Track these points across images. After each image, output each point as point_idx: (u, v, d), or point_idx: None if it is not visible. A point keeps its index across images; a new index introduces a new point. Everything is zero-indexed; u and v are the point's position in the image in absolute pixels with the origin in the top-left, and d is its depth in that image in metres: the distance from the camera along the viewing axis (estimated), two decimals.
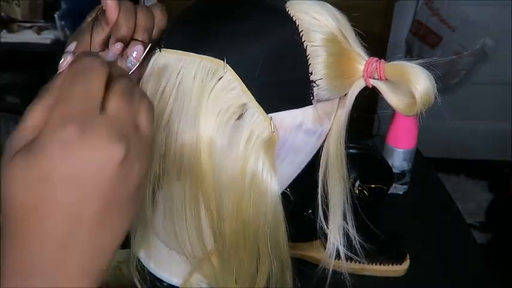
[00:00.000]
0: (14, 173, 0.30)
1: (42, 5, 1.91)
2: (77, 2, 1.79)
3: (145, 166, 0.34)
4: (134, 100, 0.34)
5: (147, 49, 0.46)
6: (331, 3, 0.45)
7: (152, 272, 0.56)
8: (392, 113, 0.90)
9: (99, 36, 0.46)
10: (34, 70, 2.03)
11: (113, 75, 0.34)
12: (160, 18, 0.48)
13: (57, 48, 1.78)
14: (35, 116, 0.32)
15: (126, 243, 0.53)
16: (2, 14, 1.87)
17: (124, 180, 0.32)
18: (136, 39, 0.45)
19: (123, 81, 0.34)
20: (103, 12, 0.46)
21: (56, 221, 0.31)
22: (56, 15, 1.81)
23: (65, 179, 0.30)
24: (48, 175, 0.30)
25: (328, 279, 0.56)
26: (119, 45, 0.45)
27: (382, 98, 0.45)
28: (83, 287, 0.32)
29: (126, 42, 0.45)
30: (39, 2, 1.91)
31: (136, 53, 0.45)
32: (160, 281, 0.56)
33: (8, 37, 1.83)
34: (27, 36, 1.83)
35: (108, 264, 0.34)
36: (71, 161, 0.30)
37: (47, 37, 1.83)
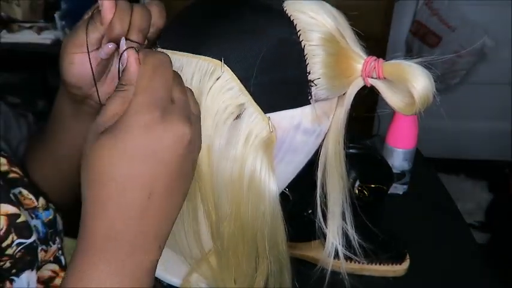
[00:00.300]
0: (100, 151, 0.36)
1: (43, 5, 1.91)
2: (77, 2, 1.79)
3: (200, 144, 0.41)
4: (188, 93, 0.41)
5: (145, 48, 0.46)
6: (329, 3, 0.45)
7: None
8: (392, 112, 0.90)
9: (93, 35, 0.47)
10: (34, 70, 2.03)
11: None
12: (157, 17, 0.48)
13: (57, 48, 1.77)
14: (113, 107, 0.38)
15: None
16: (2, 14, 1.87)
17: (188, 157, 0.38)
18: (129, 39, 0.45)
19: (178, 75, 0.41)
20: (99, 11, 0.46)
21: (135, 193, 0.36)
22: (56, 15, 1.81)
23: (145, 156, 0.36)
24: (132, 152, 0.35)
25: (327, 279, 0.56)
26: (110, 45, 0.46)
27: (382, 98, 0.45)
28: (154, 249, 0.38)
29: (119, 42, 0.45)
30: (40, 2, 1.91)
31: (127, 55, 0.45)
32: (160, 280, 0.56)
33: (8, 37, 1.83)
34: (27, 36, 1.83)
35: (171, 228, 0.40)
36: (152, 140, 0.36)
37: (47, 37, 1.83)
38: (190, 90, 0.42)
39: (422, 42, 2.07)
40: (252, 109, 0.44)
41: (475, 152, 2.28)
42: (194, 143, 0.39)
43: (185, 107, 0.39)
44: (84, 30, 0.48)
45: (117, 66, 0.47)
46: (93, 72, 0.49)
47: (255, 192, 0.45)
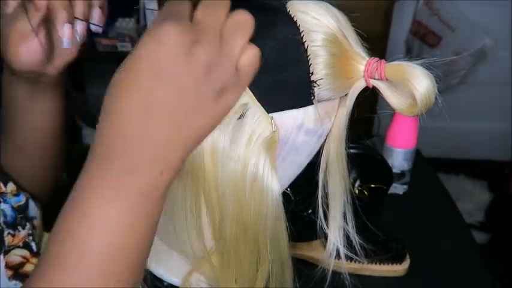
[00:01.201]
0: (122, 66, 0.35)
1: None
2: None
3: (226, 74, 0.37)
4: (220, 9, 0.37)
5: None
6: (332, 4, 0.45)
7: (152, 271, 0.56)
8: (392, 113, 0.90)
9: (33, 22, 0.49)
10: None
11: None
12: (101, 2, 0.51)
13: None
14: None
15: None
16: None
17: (196, 75, 0.35)
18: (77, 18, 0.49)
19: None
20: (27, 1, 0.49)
21: (137, 104, 0.35)
22: None
23: (151, 62, 0.34)
24: (142, 58, 0.34)
25: (328, 279, 0.56)
26: (68, 27, 0.49)
27: (382, 98, 0.45)
28: (152, 171, 0.36)
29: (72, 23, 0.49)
30: None
31: (79, 27, 0.49)
32: (160, 280, 0.56)
33: None
34: None
35: (178, 162, 0.37)
36: (158, 51, 0.34)
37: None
38: (243, 17, 0.38)
39: (422, 42, 2.07)
40: (255, 109, 0.44)
41: (475, 152, 2.28)
42: (205, 61, 0.35)
43: (202, 25, 0.36)
44: (20, 21, 0.50)
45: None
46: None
47: (257, 192, 0.45)
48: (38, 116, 0.62)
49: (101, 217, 0.36)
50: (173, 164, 0.37)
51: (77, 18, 0.49)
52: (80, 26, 0.50)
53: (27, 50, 0.51)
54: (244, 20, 0.37)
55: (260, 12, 0.45)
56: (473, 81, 2.17)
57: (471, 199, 2.10)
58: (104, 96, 0.36)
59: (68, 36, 0.49)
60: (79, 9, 0.50)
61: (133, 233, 0.37)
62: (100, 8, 0.53)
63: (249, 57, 0.38)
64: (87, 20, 0.50)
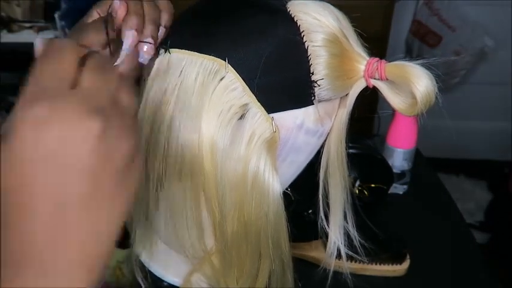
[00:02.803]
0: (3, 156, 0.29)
1: (42, 5, 1.91)
2: (77, 2, 1.79)
3: (131, 143, 0.32)
4: (109, 72, 0.33)
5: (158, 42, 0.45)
6: (332, 4, 0.45)
7: (153, 271, 0.56)
8: (392, 113, 0.90)
9: (102, 35, 0.46)
10: None
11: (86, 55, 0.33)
12: (166, 18, 0.47)
13: None
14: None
15: (126, 243, 0.53)
16: (2, 14, 1.87)
17: (107, 157, 0.30)
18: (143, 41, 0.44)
19: (96, 56, 0.33)
20: (110, 14, 0.45)
21: (41, 203, 0.29)
22: (56, 16, 1.81)
23: (41, 160, 0.28)
24: (24, 157, 0.28)
25: (329, 279, 0.56)
26: (132, 33, 0.43)
27: (383, 98, 0.45)
28: (82, 278, 0.30)
29: (139, 31, 0.44)
30: (40, 2, 1.91)
31: (147, 47, 0.44)
32: (161, 280, 0.56)
33: (8, 37, 1.83)
34: (27, 36, 1.83)
35: (107, 256, 0.32)
36: (44, 140, 0.28)
37: (47, 37, 1.83)
38: (126, 84, 0.34)
39: (422, 42, 2.07)
40: (256, 109, 0.44)
41: (475, 152, 2.28)
42: (113, 139, 0.30)
43: (95, 95, 0.31)
44: (96, 31, 0.46)
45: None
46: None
47: (258, 192, 0.45)
48: None
49: None
50: (102, 257, 0.32)
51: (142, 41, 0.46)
52: (147, 47, 0.45)
53: None
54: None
55: (261, 12, 0.45)
56: (474, 81, 2.17)
57: (471, 199, 2.10)
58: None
59: (131, 42, 0.43)
60: (148, 29, 0.44)
61: None
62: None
63: (129, 95, 0.34)
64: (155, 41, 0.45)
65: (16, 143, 0.29)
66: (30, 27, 1.86)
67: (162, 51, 0.46)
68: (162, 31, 0.46)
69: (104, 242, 0.31)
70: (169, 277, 0.56)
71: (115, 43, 0.45)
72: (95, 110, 0.30)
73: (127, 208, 0.32)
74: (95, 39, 0.46)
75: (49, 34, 1.83)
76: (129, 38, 0.43)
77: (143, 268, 0.56)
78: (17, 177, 0.29)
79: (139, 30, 0.44)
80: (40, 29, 1.85)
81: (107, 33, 0.44)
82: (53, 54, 0.32)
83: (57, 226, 0.29)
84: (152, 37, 0.44)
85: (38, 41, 0.36)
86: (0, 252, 0.30)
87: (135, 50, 0.44)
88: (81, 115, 0.29)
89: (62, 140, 0.29)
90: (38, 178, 0.29)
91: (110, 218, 0.31)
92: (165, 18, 0.46)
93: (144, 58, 0.44)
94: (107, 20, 0.45)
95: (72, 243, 0.30)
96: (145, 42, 0.44)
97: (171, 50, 0.45)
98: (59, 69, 0.31)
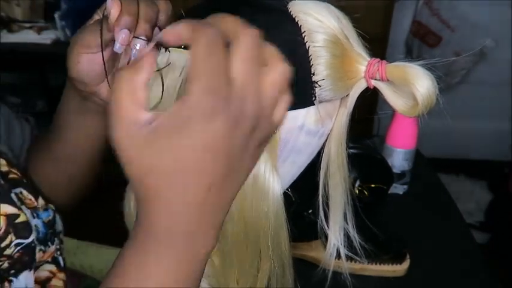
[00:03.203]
0: (162, 145, 0.33)
1: (42, 5, 1.91)
2: (77, 2, 1.79)
3: (265, 133, 0.37)
4: (258, 65, 0.36)
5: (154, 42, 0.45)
6: (333, 4, 0.45)
7: None
8: (392, 113, 0.90)
9: (103, 36, 0.47)
10: (34, 70, 2.03)
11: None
12: (163, 19, 0.48)
13: (57, 48, 1.78)
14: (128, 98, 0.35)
15: None
16: (2, 14, 1.87)
17: (245, 145, 0.35)
18: (136, 37, 0.45)
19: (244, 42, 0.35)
20: (106, 16, 0.46)
21: (198, 187, 0.35)
22: (56, 16, 1.80)
23: (205, 149, 0.34)
24: (194, 141, 0.33)
25: (329, 279, 0.56)
26: (124, 33, 0.45)
27: (383, 98, 0.45)
28: (210, 239, 0.37)
29: (131, 30, 0.45)
30: (40, 2, 1.91)
31: (139, 45, 0.45)
32: None
33: (8, 37, 1.83)
34: (27, 36, 1.83)
35: (226, 215, 0.38)
36: (211, 132, 0.33)
37: (47, 37, 1.83)
38: (260, 40, 0.36)
39: (422, 42, 2.07)
40: None
41: (475, 152, 2.28)
42: (258, 125, 0.36)
43: (244, 85, 0.34)
44: (92, 32, 0.48)
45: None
46: (105, 68, 0.49)
47: (259, 192, 0.45)
48: (82, 135, 0.61)
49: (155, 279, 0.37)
50: (222, 222, 0.39)
51: (136, 37, 0.46)
52: (139, 44, 0.46)
53: (87, 60, 0.49)
54: (282, 78, 0.37)
55: (262, 12, 0.45)
56: (474, 81, 2.17)
57: (471, 199, 2.10)
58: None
59: (122, 40, 0.45)
60: (141, 27, 0.46)
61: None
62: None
63: (282, 111, 0.38)
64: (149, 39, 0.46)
65: (191, 133, 0.33)
66: (30, 27, 1.85)
67: (162, 50, 0.46)
68: (157, 31, 0.47)
69: (228, 207, 0.38)
70: None
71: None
72: (247, 100, 0.34)
73: (241, 185, 0.39)
74: (91, 41, 0.47)
75: (49, 34, 1.83)
76: (119, 37, 0.44)
77: None
78: (187, 162, 0.34)
79: (132, 29, 0.44)
80: (40, 29, 1.85)
81: (101, 34, 0.45)
82: (216, 47, 0.34)
83: (203, 203, 0.35)
84: (146, 36, 0.45)
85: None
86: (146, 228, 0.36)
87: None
88: (236, 110, 0.34)
89: (215, 133, 0.33)
90: (203, 165, 0.34)
91: (235, 190, 0.38)
92: (161, 19, 0.47)
93: (136, 56, 0.45)
94: (102, 21, 0.46)
95: (209, 215, 0.37)
96: (139, 38, 0.45)
97: (171, 48, 0.45)
98: (221, 62, 0.34)
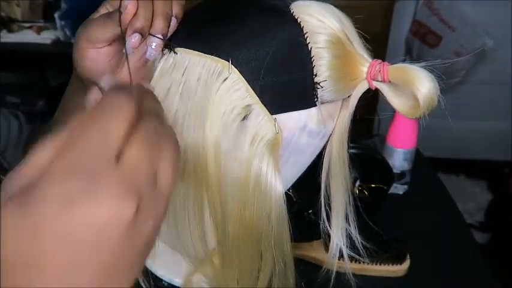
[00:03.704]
0: (4, 222, 0.26)
1: (42, 5, 1.91)
2: (77, 2, 1.79)
3: (158, 223, 0.29)
4: (157, 148, 0.29)
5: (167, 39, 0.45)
6: (335, 5, 0.45)
7: (153, 271, 0.56)
8: (392, 113, 0.90)
9: (109, 31, 0.45)
10: (34, 70, 2.03)
11: (142, 112, 0.29)
12: (177, 10, 0.46)
13: (57, 48, 1.78)
14: (42, 154, 0.27)
15: None
16: (2, 14, 1.87)
17: (132, 240, 0.28)
18: (152, 34, 0.44)
19: (149, 123, 0.29)
20: (116, 9, 0.45)
21: (48, 282, 0.26)
22: (56, 15, 1.81)
23: (59, 240, 0.26)
24: (41, 234, 0.25)
25: (332, 280, 0.56)
26: (136, 36, 0.43)
27: (383, 99, 0.45)
28: None
29: (144, 34, 0.44)
30: (39, 2, 1.91)
31: (155, 44, 0.44)
32: (161, 280, 0.56)
33: (8, 37, 1.83)
34: (27, 36, 1.83)
35: None
36: (69, 221, 0.25)
37: (47, 37, 1.83)
38: (174, 147, 0.31)
39: (422, 42, 2.07)
40: (259, 110, 0.44)
41: (475, 152, 2.29)
42: (142, 222, 0.28)
43: (137, 174, 0.28)
44: (99, 27, 0.46)
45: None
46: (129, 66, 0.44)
47: (260, 193, 0.45)
48: None
49: None
50: None
51: (152, 35, 0.44)
52: (156, 43, 0.45)
53: (93, 56, 0.47)
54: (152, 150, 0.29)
55: (264, 13, 0.45)
56: (474, 81, 2.17)
57: (471, 199, 2.10)
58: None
59: (133, 44, 0.43)
60: (158, 25, 0.44)
61: None
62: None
63: (169, 175, 0.30)
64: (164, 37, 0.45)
65: (37, 218, 0.25)
66: (30, 27, 1.86)
67: (166, 50, 0.46)
68: (174, 22, 0.46)
69: None
70: (170, 277, 0.56)
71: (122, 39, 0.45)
72: (132, 193, 0.27)
73: (138, 273, 0.30)
74: (98, 35, 0.46)
75: (49, 34, 1.83)
76: (132, 39, 0.43)
77: (144, 268, 0.56)
78: (28, 250, 0.26)
79: (145, 31, 0.43)
80: (40, 29, 1.85)
81: (121, 26, 0.43)
82: (103, 116, 0.28)
83: None
84: (162, 34, 0.44)
85: (105, 81, 0.35)
86: None
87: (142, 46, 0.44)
88: (116, 200, 0.26)
89: (87, 223, 0.26)
90: (51, 257, 0.26)
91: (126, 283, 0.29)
92: (175, 10, 0.46)
93: (152, 54, 0.44)
94: (119, 13, 0.44)
95: None
96: (156, 36, 0.44)
97: (174, 49, 0.45)
98: (106, 137, 0.27)
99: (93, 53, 0.47)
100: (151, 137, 0.29)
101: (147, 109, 0.30)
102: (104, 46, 0.47)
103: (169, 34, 0.46)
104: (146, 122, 0.29)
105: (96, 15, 0.48)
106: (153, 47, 0.44)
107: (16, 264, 0.26)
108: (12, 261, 0.26)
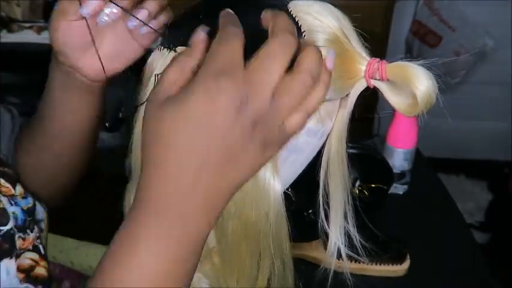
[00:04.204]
0: (164, 117, 0.36)
1: (42, 5, 1.91)
2: None
3: (272, 132, 0.38)
4: (276, 67, 0.37)
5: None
6: (333, 4, 0.45)
7: None
8: (392, 113, 0.90)
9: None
10: (34, 70, 2.02)
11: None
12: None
13: None
14: (171, 75, 0.39)
15: None
16: (2, 14, 1.87)
17: (246, 136, 0.36)
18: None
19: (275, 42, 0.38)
20: None
21: (191, 160, 0.36)
22: None
23: (202, 123, 0.35)
24: (192, 114, 0.35)
25: (330, 279, 0.56)
26: (92, 4, 0.47)
27: (383, 98, 0.45)
28: (202, 223, 0.38)
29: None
30: (39, 2, 1.91)
31: (109, 9, 0.47)
32: None
33: (8, 37, 1.83)
34: (27, 36, 1.83)
35: (222, 209, 0.39)
36: (209, 105, 0.35)
37: (47, 37, 1.81)
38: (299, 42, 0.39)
39: (422, 42, 2.07)
40: None
41: (475, 152, 2.28)
42: (262, 122, 0.37)
43: (259, 81, 0.36)
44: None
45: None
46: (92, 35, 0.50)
47: (259, 192, 0.45)
48: (67, 112, 0.60)
49: (147, 266, 0.37)
50: (219, 212, 0.39)
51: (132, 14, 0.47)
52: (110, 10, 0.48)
53: (65, 28, 0.49)
54: (299, 84, 0.38)
55: (262, 12, 0.45)
56: (474, 81, 2.16)
57: (471, 199, 2.10)
58: (143, 144, 0.38)
59: (88, 7, 0.47)
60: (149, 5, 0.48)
61: (174, 279, 0.39)
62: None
63: (297, 122, 0.39)
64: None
65: (191, 107, 0.35)
66: (30, 27, 1.85)
67: (164, 50, 0.46)
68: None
69: (225, 198, 0.39)
70: None
71: None
72: (251, 95, 0.36)
73: (245, 180, 0.39)
74: (69, 7, 0.49)
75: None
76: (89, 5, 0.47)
77: None
78: (185, 133, 0.36)
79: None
80: (40, 29, 1.85)
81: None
82: (226, 38, 0.38)
83: (196, 178, 0.36)
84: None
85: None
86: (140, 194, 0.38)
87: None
88: (232, 92, 0.35)
89: (221, 112, 0.35)
90: (198, 138, 0.36)
91: (233, 180, 0.38)
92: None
93: (103, 20, 0.47)
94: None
95: (201, 196, 0.37)
96: (113, 3, 0.45)
97: (175, 48, 0.45)
98: (231, 49, 0.37)
99: (65, 24, 0.48)
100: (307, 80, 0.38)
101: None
102: (76, 19, 0.47)
103: (158, 26, 0.47)
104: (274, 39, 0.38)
105: None
106: (106, 11, 0.46)
107: (171, 145, 0.36)
108: (167, 140, 0.36)
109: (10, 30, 1.84)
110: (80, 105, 0.60)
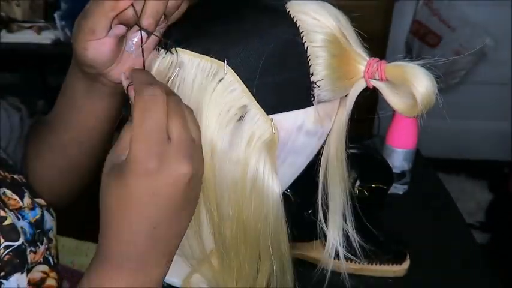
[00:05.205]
0: (110, 188, 0.40)
1: (42, 5, 1.91)
2: (77, 2, 1.78)
3: (203, 169, 0.43)
4: (187, 119, 0.41)
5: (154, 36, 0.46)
6: (332, 4, 0.45)
7: None
8: (392, 113, 0.90)
9: (106, 19, 0.45)
10: (34, 70, 2.03)
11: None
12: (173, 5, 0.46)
13: (57, 49, 1.78)
14: (125, 138, 0.41)
15: None
16: (2, 14, 1.87)
17: (190, 190, 0.41)
18: (140, 27, 0.44)
19: (175, 103, 0.41)
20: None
21: (141, 226, 0.40)
22: (56, 15, 1.80)
23: (148, 198, 0.39)
24: (135, 195, 0.39)
25: (327, 279, 0.56)
26: (120, 28, 0.46)
27: (383, 98, 0.45)
28: (162, 264, 0.43)
29: (130, 26, 0.46)
30: (39, 2, 1.91)
31: (136, 39, 0.46)
32: None
33: (8, 37, 1.83)
34: (27, 36, 1.83)
35: (178, 244, 0.44)
36: (153, 185, 0.39)
37: (47, 37, 1.82)
38: (189, 109, 0.42)
39: (422, 42, 2.07)
40: (255, 110, 0.44)
41: (475, 152, 2.28)
42: (197, 175, 0.41)
43: (183, 143, 0.40)
44: (95, 16, 0.46)
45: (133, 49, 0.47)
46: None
47: (257, 194, 0.45)
48: (89, 116, 0.59)
49: None
50: (174, 252, 0.44)
51: (143, 29, 0.45)
52: (137, 38, 0.47)
53: (95, 46, 0.47)
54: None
55: (261, 13, 0.45)
56: (474, 81, 2.17)
57: (471, 199, 2.10)
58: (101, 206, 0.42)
59: (137, 42, 0.46)
60: (147, 21, 0.46)
61: None
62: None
63: (196, 127, 0.43)
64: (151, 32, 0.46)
65: (131, 184, 0.39)
66: (30, 27, 1.85)
67: (162, 51, 0.46)
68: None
69: (178, 239, 0.43)
70: (169, 277, 0.56)
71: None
72: (186, 157, 0.40)
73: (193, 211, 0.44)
74: (96, 26, 0.46)
75: (49, 34, 1.83)
76: (115, 29, 0.46)
77: None
78: (127, 206, 0.40)
79: (132, 22, 0.45)
80: (40, 29, 1.85)
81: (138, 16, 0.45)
82: (151, 108, 0.39)
83: (150, 238, 0.41)
84: (147, 31, 0.45)
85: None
86: (100, 253, 0.42)
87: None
88: (179, 165, 0.39)
89: (163, 185, 0.39)
90: (142, 209, 0.40)
91: (184, 224, 0.43)
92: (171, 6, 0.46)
93: (131, 49, 0.46)
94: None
95: (159, 246, 0.42)
96: (143, 30, 0.45)
97: (171, 50, 0.45)
98: (159, 124, 0.39)
99: (95, 43, 0.47)
100: (182, 113, 0.41)
101: (167, 90, 0.41)
102: (104, 36, 0.46)
103: (159, 33, 0.47)
104: (172, 102, 0.40)
105: (91, 2, 0.47)
106: (133, 41, 0.46)
107: (118, 215, 0.40)
108: (116, 213, 0.40)
109: (10, 30, 1.84)
110: (104, 108, 0.59)
